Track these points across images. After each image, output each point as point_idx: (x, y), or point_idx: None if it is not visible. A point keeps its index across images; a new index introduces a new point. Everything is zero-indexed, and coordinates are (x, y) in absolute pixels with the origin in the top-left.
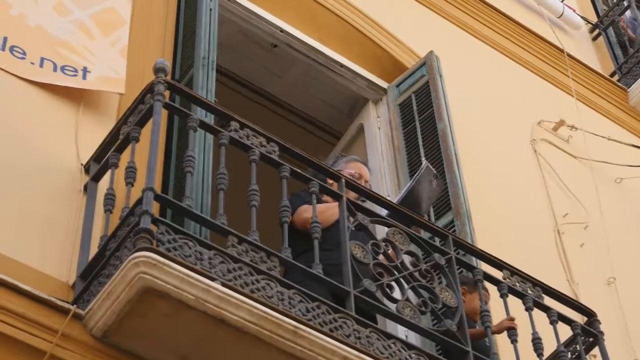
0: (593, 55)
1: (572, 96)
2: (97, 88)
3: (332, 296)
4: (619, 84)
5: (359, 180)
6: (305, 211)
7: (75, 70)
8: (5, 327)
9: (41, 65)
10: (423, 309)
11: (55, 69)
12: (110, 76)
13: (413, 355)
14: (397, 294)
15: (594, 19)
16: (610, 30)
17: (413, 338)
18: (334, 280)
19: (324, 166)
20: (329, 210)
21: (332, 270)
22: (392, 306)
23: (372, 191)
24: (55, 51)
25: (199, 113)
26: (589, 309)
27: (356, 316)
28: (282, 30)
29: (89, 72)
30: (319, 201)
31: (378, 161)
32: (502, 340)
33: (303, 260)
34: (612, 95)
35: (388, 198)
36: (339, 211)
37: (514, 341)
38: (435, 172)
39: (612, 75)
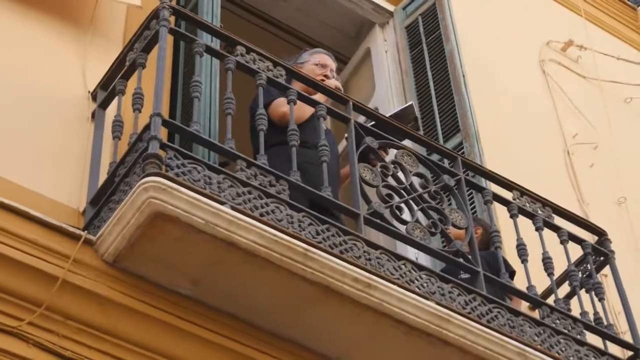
0: None
1: (581, 16)
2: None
3: (309, 202)
4: (629, 2)
5: (324, 70)
6: (282, 105)
7: None
8: (19, 254)
9: None
10: (433, 230)
11: None
12: None
13: (423, 275)
14: (406, 215)
15: None
16: None
17: (423, 259)
18: (312, 179)
19: (331, 89)
20: (303, 106)
21: (310, 168)
22: (402, 228)
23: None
24: None
25: (205, 38)
26: (599, 228)
27: (366, 238)
28: None
29: None
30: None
31: (386, 85)
32: (512, 260)
33: (277, 152)
34: (622, 14)
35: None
36: (348, 134)
37: (524, 261)
38: (417, 116)
39: None
